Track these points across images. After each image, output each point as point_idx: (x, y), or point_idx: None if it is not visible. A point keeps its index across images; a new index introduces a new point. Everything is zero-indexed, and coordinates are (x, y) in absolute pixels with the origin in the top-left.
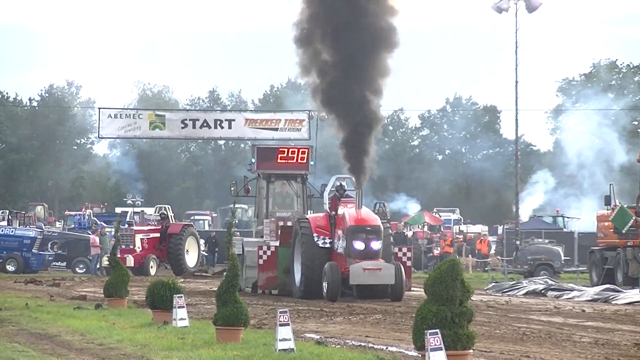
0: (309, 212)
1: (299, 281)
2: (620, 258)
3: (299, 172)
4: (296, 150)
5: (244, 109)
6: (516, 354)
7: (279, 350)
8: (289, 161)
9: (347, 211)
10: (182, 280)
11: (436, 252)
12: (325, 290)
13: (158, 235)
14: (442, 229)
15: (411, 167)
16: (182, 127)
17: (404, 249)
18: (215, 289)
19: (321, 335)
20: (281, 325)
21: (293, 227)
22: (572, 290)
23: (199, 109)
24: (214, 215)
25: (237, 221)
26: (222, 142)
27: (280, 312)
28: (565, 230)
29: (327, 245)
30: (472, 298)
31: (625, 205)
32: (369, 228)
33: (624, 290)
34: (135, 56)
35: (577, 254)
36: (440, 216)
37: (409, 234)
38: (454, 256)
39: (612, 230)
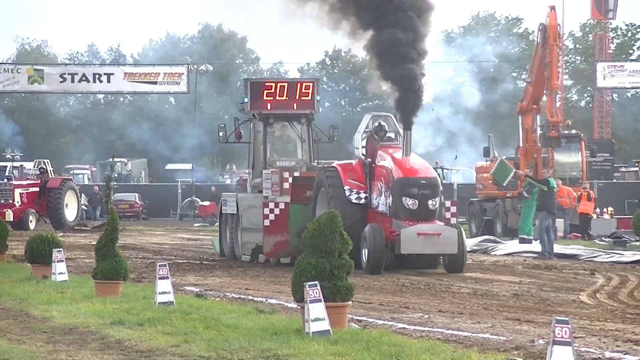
0: (315, 161)
1: None
2: (499, 209)
3: (304, 112)
4: (298, 84)
5: (122, 63)
6: (395, 304)
7: (159, 303)
8: (291, 98)
9: (391, 159)
10: (62, 234)
11: None
12: (365, 260)
13: (37, 189)
14: None
15: None
16: (61, 82)
17: (448, 203)
18: (95, 243)
19: (201, 288)
20: (160, 278)
21: (315, 177)
22: None
23: (77, 63)
24: (93, 169)
25: (116, 175)
26: (101, 96)
27: (160, 266)
28: (444, 181)
29: (362, 202)
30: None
31: (504, 158)
32: (423, 182)
33: (502, 241)
34: (13, 10)
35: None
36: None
37: None
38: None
39: (490, 181)
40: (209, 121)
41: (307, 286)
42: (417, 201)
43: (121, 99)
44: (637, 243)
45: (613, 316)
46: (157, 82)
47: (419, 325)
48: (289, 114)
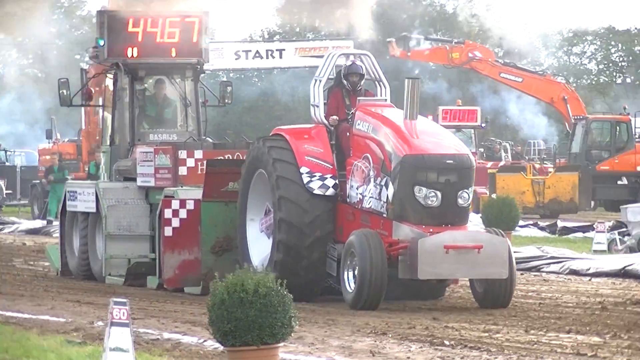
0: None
1: (263, 263)
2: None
3: (188, 61)
4: (179, 19)
5: None
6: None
7: None
8: (168, 40)
9: (384, 123)
10: None
11: None
12: (349, 287)
13: None
14: None
15: None
16: None
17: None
18: None
19: None
20: None
21: (248, 153)
22: None
23: None
24: None
25: None
26: None
27: None
28: (7, 164)
29: (330, 192)
30: None
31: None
32: (450, 161)
33: None
34: None
35: (20, 187)
36: None
37: None
38: None
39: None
40: None
41: None
42: (439, 193)
43: None
44: None
45: (173, 297)
46: None
47: None
48: (167, 65)
